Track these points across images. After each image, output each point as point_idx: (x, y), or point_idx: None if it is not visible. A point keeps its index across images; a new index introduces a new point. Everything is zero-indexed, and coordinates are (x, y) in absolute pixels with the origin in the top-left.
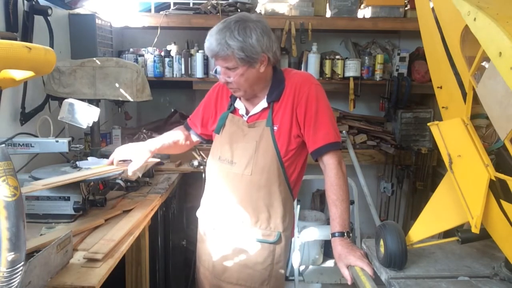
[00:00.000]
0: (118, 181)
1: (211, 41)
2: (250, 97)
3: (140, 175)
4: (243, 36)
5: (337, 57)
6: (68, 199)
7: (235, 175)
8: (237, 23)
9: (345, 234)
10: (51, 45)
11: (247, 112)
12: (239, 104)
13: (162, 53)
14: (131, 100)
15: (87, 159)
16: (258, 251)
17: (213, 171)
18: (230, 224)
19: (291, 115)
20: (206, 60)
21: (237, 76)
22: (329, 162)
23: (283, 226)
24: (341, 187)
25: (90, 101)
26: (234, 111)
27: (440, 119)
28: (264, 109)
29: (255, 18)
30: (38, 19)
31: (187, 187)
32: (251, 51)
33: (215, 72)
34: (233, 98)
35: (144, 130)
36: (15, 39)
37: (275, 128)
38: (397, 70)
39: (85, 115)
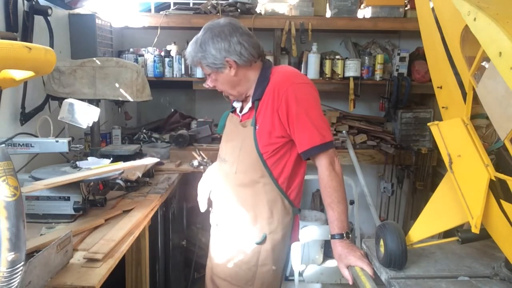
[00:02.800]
0: (118, 181)
1: (187, 53)
2: (242, 98)
3: (140, 175)
4: (204, 46)
5: (337, 57)
6: (68, 199)
7: (226, 173)
8: (203, 35)
9: (344, 235)
10: (51, 45)
11: (241, 111)
12: (236, 104)
13: (162, 53)
14: (131, 100)
15: (87, 159)
16: (243, 250)
17: (216, 168)
18: (223, 220)
19: (272, 115)
20: None
21: (213, 81)
22: (320, 163)
23: (269, 228)
24: (335, 188)
25: (90, 101)
26: (234, 111)
27: (440, 119)
28: (250, 109)
29: (222, 23)
30: (38, 19)
31: (187, 187)
32: (212, 58)
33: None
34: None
35: (144, 130)
36: (15, 39)
37: (257, 127)
38: (397, 70)
39: (85, 115)
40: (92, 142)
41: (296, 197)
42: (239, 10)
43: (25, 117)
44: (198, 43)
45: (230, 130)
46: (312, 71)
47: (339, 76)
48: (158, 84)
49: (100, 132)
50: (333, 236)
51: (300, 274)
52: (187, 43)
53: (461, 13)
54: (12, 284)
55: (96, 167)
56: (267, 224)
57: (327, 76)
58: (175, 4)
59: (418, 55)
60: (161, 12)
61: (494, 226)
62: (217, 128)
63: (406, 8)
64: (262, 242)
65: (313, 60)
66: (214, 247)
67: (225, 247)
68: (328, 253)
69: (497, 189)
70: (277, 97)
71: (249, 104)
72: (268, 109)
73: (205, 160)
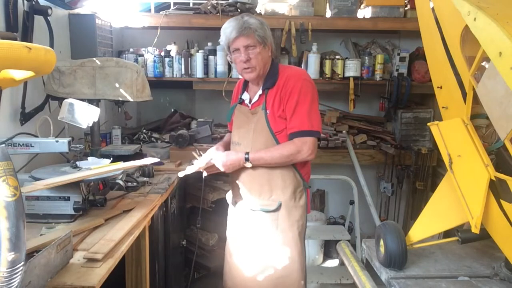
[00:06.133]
0: (118, 181)
1: (233, 25)
2: (259, 79)
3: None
4: (263, 24)
5: (337, 57)
6: (68, 199)
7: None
8: (248, 14)
9: (245, 163)
10: (51, 45)
11: (251, 101)
12: (245, 96)
13: (162, 53)
14: (131, 100)
15: (87, 159)
16: (263, 220)
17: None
18: (243, 196)
19: (280, 102)
20: (206, 60)
21: (254, 54)
22: (299, 143)
23: (283, 196)
24: (282, 154)
25: (90, 101)
26: (242, 102)
27: (440, 119)
28: (260, 96)
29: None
30: (38, 19)
31: (187, 187)
32: (265, 32)
33: (231, 60)
34: (241, 93)
35: (144, 130)
36: (15, 39)
37: (268, 111)
38: (397, 70)
39: (85, 115)
40: (92, 142)
41: (305, 174)
42: (239, 10)
43: (25, 117)
44: (257, 19)
45: (240, 119)
46: (312, 71)
47: (339, 76)
48: (158, 84)
49: (100, 132)
50: (247, 153)
51: None
52: (187, 43)
53: (461, 13)
54: (12, 284)
55: (96, 167)
56: (282, 193)
57: (327, 76)
58: (175, 4)
59: (418, 55)
60: (161, 12)
61: (494, 226)
62: (217, 127)
63: (406, 8)
64: (277, 208)
65: (313, 60)
66: (239, 225)
67: (248, 220)
68: (328, 253)
69: (497, 189)
70: (285, 88)
71: (259, 92)
72: (277, 97)
73: None
